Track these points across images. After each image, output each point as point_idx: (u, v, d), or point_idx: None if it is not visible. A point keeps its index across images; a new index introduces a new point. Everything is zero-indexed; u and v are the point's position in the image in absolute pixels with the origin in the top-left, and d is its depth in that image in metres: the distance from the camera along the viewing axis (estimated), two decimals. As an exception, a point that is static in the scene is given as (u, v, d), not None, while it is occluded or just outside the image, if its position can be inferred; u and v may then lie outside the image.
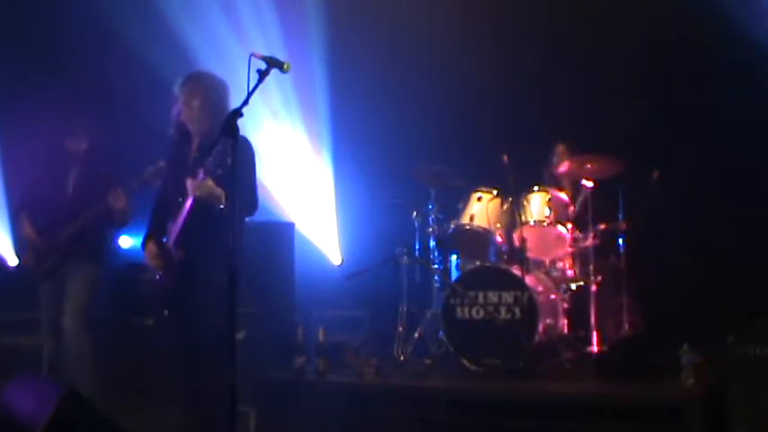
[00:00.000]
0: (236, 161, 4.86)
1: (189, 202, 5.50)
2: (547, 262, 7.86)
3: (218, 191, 5.39)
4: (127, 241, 9.24)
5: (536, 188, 7.79)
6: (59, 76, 8.93)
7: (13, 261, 7.47)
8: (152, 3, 8.88)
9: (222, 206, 5.41)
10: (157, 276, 5.81)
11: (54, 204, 7.19)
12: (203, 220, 5.51)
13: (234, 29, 9.04)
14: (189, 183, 5.44)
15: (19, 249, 7.37)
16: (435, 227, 8.00)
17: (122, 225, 7.36)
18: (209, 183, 5.35)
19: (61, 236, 7.09)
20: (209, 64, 8.44)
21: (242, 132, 4.82)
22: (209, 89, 5.74)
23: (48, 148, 7.40)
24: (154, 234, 5.86)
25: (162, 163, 6.69)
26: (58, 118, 7.48)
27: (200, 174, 5.34)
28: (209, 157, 5.17)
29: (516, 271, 7.27)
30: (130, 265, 8.61)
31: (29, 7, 9.04)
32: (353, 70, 9.22)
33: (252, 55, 4.81)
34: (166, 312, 5.79)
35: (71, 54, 8.99)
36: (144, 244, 5.89)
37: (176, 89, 5.76)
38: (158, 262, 5.75)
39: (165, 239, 5.78)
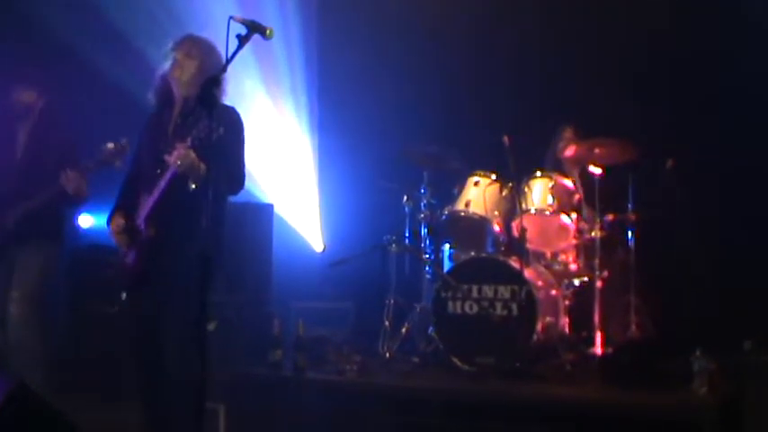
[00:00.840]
0: (218, 132, 4.86)
1: (168, 175, 5.35)
2: (548, 254, 7.90)
3: (200, 165, 5.23)
4: (87, 220, 9.13)
5: (539, 173, 7.78)
6: (20, 28, 8.79)
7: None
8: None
9: (194, 184, 5.25)
10: (126, 257, 5.69)
11: (0, 173, 6.90)
12: (180, 195, 5.33)
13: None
14: (172, 153, 5.25)
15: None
16: (427, 213, 8.01)
17: (78, 205, 7.20)
18: (193, 155, 5.20)
19: (9, 215, 6.78)
20: (185, 27, 8.38)
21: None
22: (205, 53, 5.67)
23: None
24: (122, 207, 5.74)
25: (124, 141, 6.49)
26: (12, 70, 7.15)
27: (187, 143, 5.19)
28: (194, 126, 5.13)
29: (514, 263, 7.22)
30: (90, 246, 8.53)
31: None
32: (341, 39, 9.33)
33: (231, 18, 4.74)
34: (124, 296, 5.71)
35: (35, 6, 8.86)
36: (110, 218, 5.77)
37: (169, 48, 5.68)
38: (123, 237, 5.64)
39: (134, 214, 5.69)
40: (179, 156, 5.17)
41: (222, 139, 4.99)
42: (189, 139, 5.15)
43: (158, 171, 5.43)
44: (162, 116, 5.74)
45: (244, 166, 5.68)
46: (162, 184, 5.38)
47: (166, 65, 5.66)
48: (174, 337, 5.38)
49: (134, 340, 5.61)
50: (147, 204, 5.50)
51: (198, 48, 5.69)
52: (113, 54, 8.56)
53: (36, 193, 6.70)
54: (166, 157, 5.26)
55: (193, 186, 5.22)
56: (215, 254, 4.97)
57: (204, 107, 4.71)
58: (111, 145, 6.48)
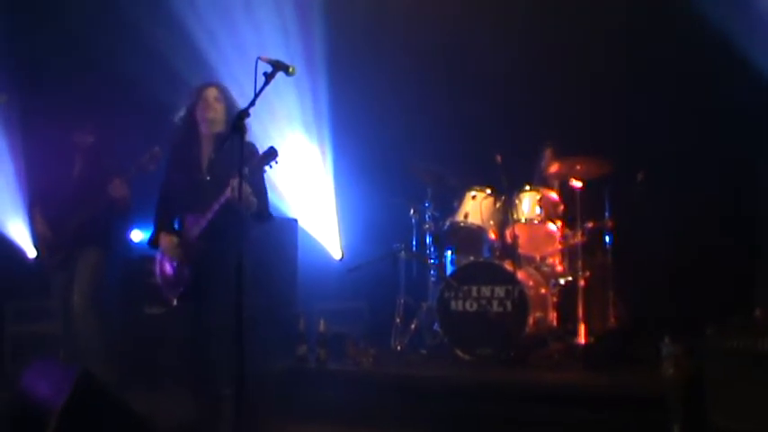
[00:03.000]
0: (254, 165, 5.42)
1: (222, 200, 5.58)
2: (537, 258, 7.93)
3: (252, 197, 5.58)
4: (137, 235, 9.32)
5: (527, 187, 7.83)
6: (72, 76, 9.02)
7: (31, 252, 7.53)
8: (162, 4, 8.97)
9: (247, 210, 5.57)
10: (168, 267, 5.87)
11: (61, 197, 7.22)
12: (230, 218, 5.58)
13: (239, 29, 9.10)
14: (231, 183, 5.44)
15: (35, 242, 7.42)
16: (431, 224, 8.07)
17: (124, 212, 7.33)
18: (248, 189, 5.45)
19: (69, 228, 7.12)
20: (218, 66, 8.62)
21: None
22: (232, 100, 5.96)
23: (58, 143, 7.41)
24: (165, 227, 5.96)
25: (156, 149, 6.85)
26: (70, 115, 7.53)
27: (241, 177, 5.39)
28: (248, 163, 5.38)
29: (508, 266, 7.33)
30: (141, 257, 8.69)
31: (45, 7, 9.13)
32: (353, 71, 9.17)
33: (258, 58, 4.91)
34: (176, 302, 5.86)
35: (81, 53, 9.07)
36: (156, 237, 5.98)
37: (202, 88, 5.94)
38: (179, 252, 5.82)
39: (180, 230, 5.90)
40: (234, 187, 5.38)
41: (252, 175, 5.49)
42: (239, 175, 5.31)
43: (204, 196, 5.70)
44: (191, 150, 5.95)
45: (267, 195, 6.00)
46: (215, 206, 5.61)
47: (197, 105, 5.85)
48: (223, 336, 5.46)
49: (186, 339, 5.83)
50: (199, 224, 5.71)
51: (227, 93, 5.97)
52: (151, 77, 8.78)
53: (89, 204, 7.03)
54: (227, 191, 5.49)
55: (246, 212, 5.55)
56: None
57: (235, 135, 4.90)
58: (147, 155, 6.93)
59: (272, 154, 5.58)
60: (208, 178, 5.82)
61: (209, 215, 5.66)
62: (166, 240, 5.88)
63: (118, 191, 7.00)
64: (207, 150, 5.95)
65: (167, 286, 6.00)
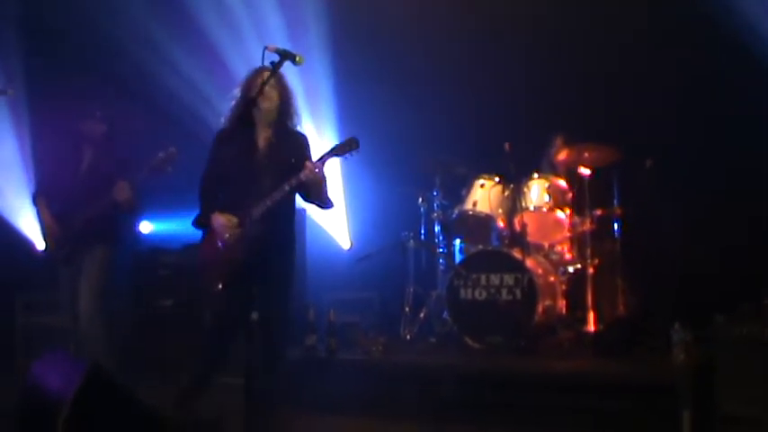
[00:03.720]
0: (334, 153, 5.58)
1: (294, 182, 5.58)
2: (546, 246, 7.92)
3: (323, 182, 5.65)
4: (147, 226, 9.36)
5: (536, 175, 7.84)
6: (83, 65, 9.05)
7: (41, 245, 7.52)
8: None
9: (315, 197, 5.74)
10: (219, 247, 5.74)
11: (69, 190, 7.11)
12: (287, 203, 5.76)
13: (248, 19, 9.11)
14: (308, 165, 5.53)
15: (43, 234, 7.39)
16: (440, 212, 8.08)
17: (129, 212, 7.18)
18: (321, 173, 5.56)
19: (75, 223, 7.02)
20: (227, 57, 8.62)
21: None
22: (287, 87, 5.88)
23: (67, 133, 7.31)
24: (218, 207, 5.79)
25: (172, 149, 6.75)
26: (80, 104, 7.41)
27: (323, 161, 5.57)
28: (334, 147, 5.58)
29: (517, 254, 7.31)
30: (150, 249, 8.74)
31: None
32: (360, 60, 9.17)
33: (266, 48, 4.91)
34: (220, 285, 5.75)
35: (93, 43, 9.09)
36: (206, 216, 5.80)
37: (258, 74, 5.72)
38: (239, 232, 5.67)
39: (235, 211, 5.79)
40: (312, 170, 5.49)
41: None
42: (326, 159, 5.57)
43: (263, 179, 5.69)
44: (244, 136, 5.78)
45: None
46: (286, 188, 5.59)
47: (251, 90, 5.68)
48: (285, 318, 5.77)
49: (233, 318, 5.66)
50: (261, 205, 5.62)
51: (281, 81, 5.81)
52: (161, 81, 8.79)
53: (95, 202, 6.92)
54: (302, 175, 5.53)
55: (317, 201, 5.79)
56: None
57: (244, 124, 5.09)
58: (161, 154, 6.76)
59: (353, 143, 5.64)
60: (266, 162, 5.76)
61: (277, 195, 5.61)
62: (223, 219, 5.70)
63: (121, 194, 6.82)
64: (263, 134, 5.85)
65: (212, 267, 5.83)
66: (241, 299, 5.65)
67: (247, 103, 5.68)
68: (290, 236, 5.92)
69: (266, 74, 5.59)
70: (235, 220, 5.67)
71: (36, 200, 7.28)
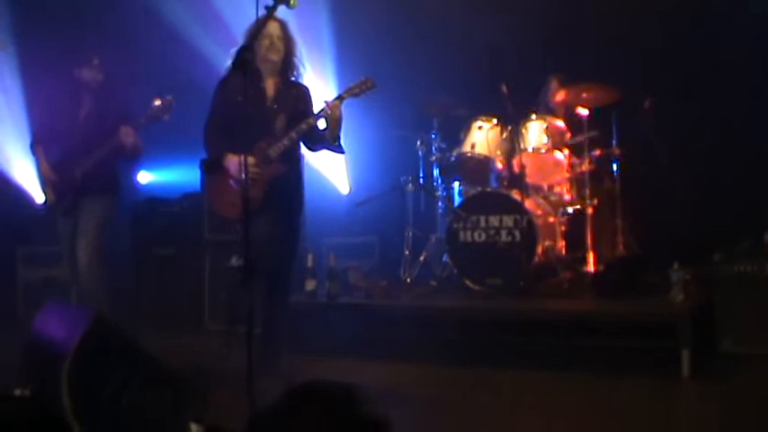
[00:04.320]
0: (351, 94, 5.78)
1: (311, 121, 5.69)
2: (545, 187, 7.91)
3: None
4: (145, 176, 9.37)
5: (534, 116, 7.80)
6: (74, 16, 9.00)
7: (40, 198, 7.53)
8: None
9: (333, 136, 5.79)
10: (232, 187, 5.72)
11: (67, 136, 7.05)
12: (299, 146, 5.88)
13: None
14: (329, 103, 5.66)
15: (41, 185, 7.38)
16: (438, 155, 8.08)
17: (134, 159, 7.24)
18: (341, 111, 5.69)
19: (76, 172, 6.97)
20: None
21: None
22: (292, 40, 5.91)
23: (64, 80, 7.23)
24: (225, 149, 5.76)
25: (170, 97, 6.75)
26: (75, 53, 7.35)
27: (341, 100, 5.71)
28: (350, 86, 5.77)
29: (516, 196, 7.32)
30: (149, 199, 8.77)
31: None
32: (358, 2, 9.16)
33: (259, -9, 4.88)
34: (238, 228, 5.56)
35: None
36: (218, 159, 5.79)
37: (265, 23, 5.55)
38: (255, 171, 5.59)
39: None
40: (334, 106, 5.64)
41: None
42: (338, 99, 5.70)
43: (273, 124, 5.75)
44: (250, 83, 5.58)
45: None
46: (303, 127, 5.67)
47: (257, 40, 5.54)
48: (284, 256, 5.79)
49: (249, 260, 5.54)
50: (278, 145, 5.66)
51: (287, 32, 5.85)
52: (154, 31, 8.76)
53: (98, 149, 6.89)
54: (324, 108, 5.67)
55: (331, 145, 5.85)
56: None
57: (239, 71, 4.98)
58: (158, 101, 6.77)
59: (369, 82, 5.78)
60: (275, 106, 5.81)
61: (294, 135, 5.69)
62: (236, 159, 5.62)
63: (128, 138, 6.81)
64: (270, 82, 5.89)
65: (226, 206, 5.83)
66: (260, 231, 5.46)
67: (252, 51, 5.49)
68: (302, 177, 6.02)
69: (272, 22, 5.63)
70: (252, 159, 5.57)
71: (34, 149, 7.25)
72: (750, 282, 6.40)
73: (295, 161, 5.92)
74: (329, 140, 5.81)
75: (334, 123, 5.70)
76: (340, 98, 5.71)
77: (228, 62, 5.67)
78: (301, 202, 6.02)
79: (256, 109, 5.70)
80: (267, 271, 5.54)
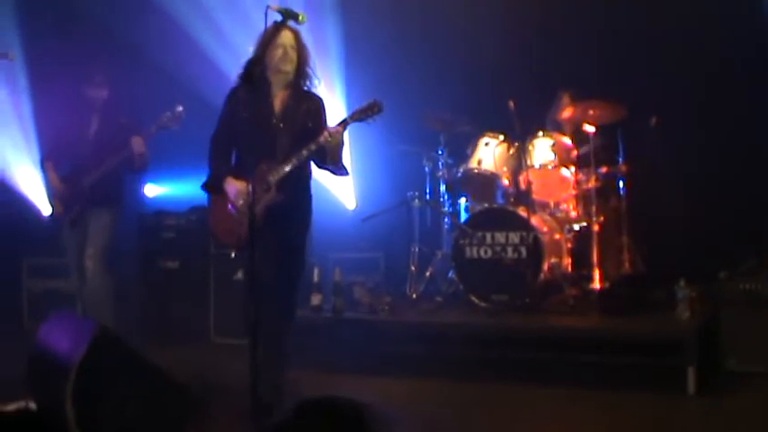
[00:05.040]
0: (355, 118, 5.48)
1: (313, 147, 5.41)
2: (551, 204, 7.90)
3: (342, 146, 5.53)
4: (152, 189, 9.38)
5: (540, 133, 7.78)
6: (81, 28, 9.04)
7: (47, 210, 7.57)
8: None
9: (332, 161, 5.55)
10: (231, 212, 5.57)
11: (76, 152, 7.21)
12: (307, 167, 5.63)
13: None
14: (328, 129, 5.42)
15: (49, 197, 7.46)
16: (445, 171, 8.05)
17: (142, 170, 7.32)
18: (343, 137, 5.46)
19: (84, 183, 7.11)
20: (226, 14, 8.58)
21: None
22: (305, 49, 5.68)
23: (70, 97, 7.37)
24: (230, 171, 5.62)
25: (179, 109, 6.84)
26: (80, 68, 7.48)
27: (344, 126, 5.44)
28: (356, 110, 5.45)
29: (522, 212, 7.30)
30: (156, 212, 8.77)
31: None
32: (365, 19, 9.11)
33: (268, 7, 4.87)
34: (233, 254, 5.77)
35: (91, 6, 9.08)
36: (218, 181, 5.60)
37: (277, 31, 5.37)
38: (245, 201, 5.36)
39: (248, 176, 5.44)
40: (336, 132, 5.38)
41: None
42: (348, 120, 5.44)
43: (278, 143, 5.49)
44: (258, 96, 5.56)
45: None
46: (304, 153, 5.41)
47: (269, 48, 5.41)
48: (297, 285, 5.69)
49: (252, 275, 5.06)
50: (277, 170, 5.42)
51: (301, 41, 5.62)
52: (162, 44, 8.77)
53: (107, 161, 7.01)
54: (321, 139, 5.36)
55: (331, 167, 5.60)
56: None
57: (246, 84, 5.01)
58: (168, 113, 6.88)
59: (375, 106, 5.50)
60: (281, 125, 5.57)
61: (294, 161, 5.43)
62: (238, 185, 5.51)
63: (139, 147, 6.96)
64: (279, 96, 5.66)
65: (225, 233, 5.73)
66: (258, 258, 5.27)
67: (262, 62, 5.42)
68: (306, 202, 5.78)
69: (285, 32, 5.44)
70: (244, 188, 5.43)
71: (43, 164, 7.42)
72: (756, 300, 6.40)
73: (301, 187, 5.67)
74: (329, 164, 5.61)
75: (334, 149, 5.48)
76: (344, 123, 5.48)
77: (238, 72, 5.50)
78: (305, 224, 5.80)
79: (261, 127, 5.57)
80: (269, 295, 5.26)
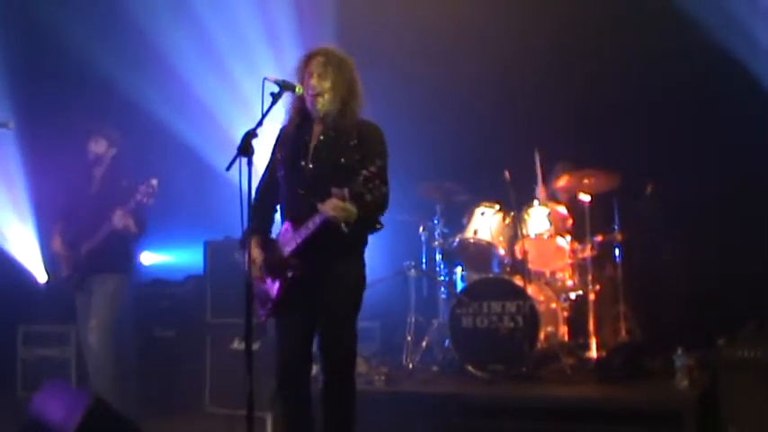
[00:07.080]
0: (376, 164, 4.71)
1: (317, 221, 4.81)
2: (547, 273, 7.90)
3: (353, 211, 4.69)
4: (148, 257, 9.34)
5: (536, 202, 7.83)
6: (78, 90, 9.11)
7: (42, 277, 7.52)
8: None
9: (346, 226, 4.74)
10: (265, 286, 5.10)
11: (80, 216, 7.15)
12: (332, 236, 4.79)
13: (255, 29, 9.15)
14: (325, 203, 4.71)
15: (52, 263, 7.39)
16: (441, 240, 8.06)
17: (133, 240, 7.13)
18: (348, 207, 4.64)
19: (83, 249, 7.06)
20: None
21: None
22: (344, 65, 5.15)
23: (74, 158, 7.36)
24: (257, 231, 5.03)
25: (154, 182, 6.67)
26: (81, 128, 7.44)
27: (343, 193, 4.61)
28: (360, 173, 4.62)
29: (518, 282, 7.30)
30: (152, 281, 8.73)
31: (50, 22, 9.24)
32: (362, 89, 9.23)
33: (265, 79, 4.86)
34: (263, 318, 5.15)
35: (85, 69, 9.15)
36: (246, 242, 4.57)
37: (306, 58, 5.09)
38: (257, 269, 4.98)
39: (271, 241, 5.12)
40: (333, 206, 4.67)
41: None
42: (346, 190, 4.59)
43: (302, 192, 4.98)
44: (301, 129, 5.13)
45: (386, 184, 4.96)
46: (311, 226, 4.84)
47: (302, 79, 5.05)
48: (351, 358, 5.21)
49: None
50: (296, 237, 4.93)
51: (333, 59, 5.12)
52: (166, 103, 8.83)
53: (99, 229, 6.93)
54: (319, 205, 4.72)
55: (345, 228, 4.73)
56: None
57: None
58: (143, 188, 6.69)
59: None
60: (311, 166, 5.02)
61: (311, 226, 4.83)
62: (254, 254, 4.92)
63: (120, 221, 6.82)
64: (316, 130, 5.12)
65: (259, 299, 5.16)
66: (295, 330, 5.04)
67: (301, 98, 5.04)
68: (342, 271, 5.05)
69: (317, 57, 5.04)
70: (259, 255, 4.99)
71: (53, 228, 7.38)
72: (755, 368, 6.33)
73: (332, 260, 4.99)
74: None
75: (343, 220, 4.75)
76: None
77: (287, 108, 5.15)
78: (347, 295, 5.13)
79: (292, 170, 5.06)
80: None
